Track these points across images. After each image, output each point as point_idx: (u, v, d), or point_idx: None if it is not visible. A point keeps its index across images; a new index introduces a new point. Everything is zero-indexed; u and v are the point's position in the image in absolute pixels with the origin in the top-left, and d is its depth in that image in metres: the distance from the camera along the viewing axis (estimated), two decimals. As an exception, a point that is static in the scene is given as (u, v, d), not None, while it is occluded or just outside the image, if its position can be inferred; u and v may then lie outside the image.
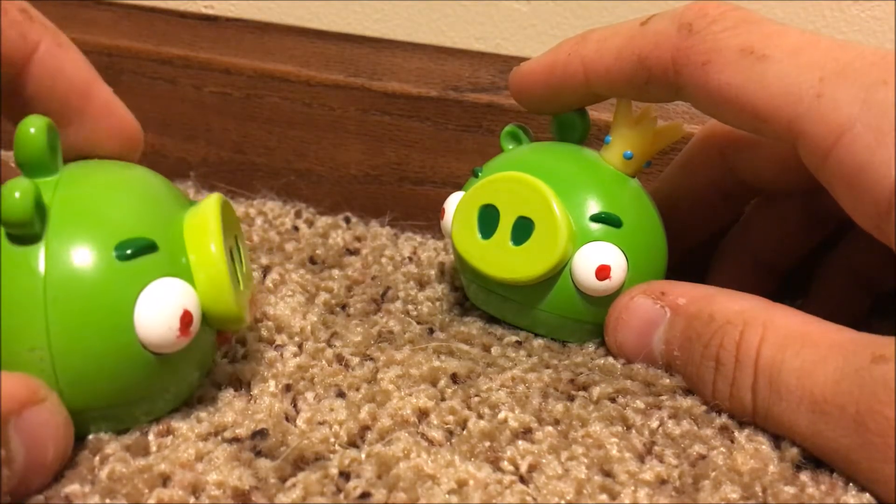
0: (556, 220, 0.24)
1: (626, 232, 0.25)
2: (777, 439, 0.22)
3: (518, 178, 0.25)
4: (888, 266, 0.28)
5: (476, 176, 0.28)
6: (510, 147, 0.29)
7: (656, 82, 0.24)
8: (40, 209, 0.19)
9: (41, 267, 0.19)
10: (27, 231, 0.19)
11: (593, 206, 0.25)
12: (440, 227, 0.28)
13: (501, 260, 0.25)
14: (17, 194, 0.19)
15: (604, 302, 0.25)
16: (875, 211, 0.20)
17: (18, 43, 0.22)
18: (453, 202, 0.27)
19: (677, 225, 0.28)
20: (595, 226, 0.25)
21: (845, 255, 0.29)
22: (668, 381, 0.24)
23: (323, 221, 0.36)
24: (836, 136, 0.20)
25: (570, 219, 0.25)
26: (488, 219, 0.26)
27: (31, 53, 0.22)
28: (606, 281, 0.25)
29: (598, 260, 0.25)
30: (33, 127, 0.20)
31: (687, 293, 0.24)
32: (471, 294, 0.28)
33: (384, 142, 0.36)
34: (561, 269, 0.25)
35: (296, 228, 0.35)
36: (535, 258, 0.25)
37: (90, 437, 0.21)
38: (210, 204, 0.22)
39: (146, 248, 0.20)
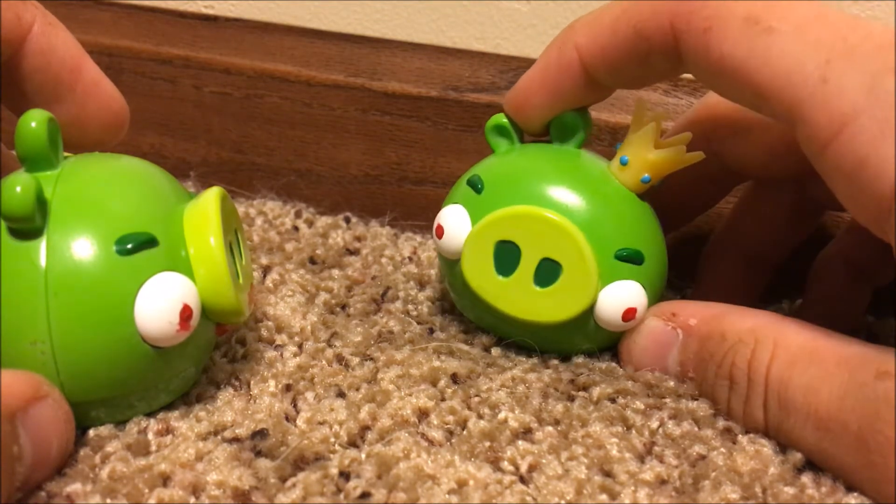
0: (587, 266, 0.23)
1: (647, 266, 0.24)
2: (783, 445, 0.22)
3: (543, 217, 0.24)
4: (887, 258, 0.27)
5: (477, 190, 0.25)
6: (503, 146, 0.27)
7: (657, 53, 0.22)
8: (41, 203, 0.19)
9: (42, 261, 0.19)
10: (28, 225, 0.19)
11: (617, 242, 0.24)
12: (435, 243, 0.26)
13: (524, 301, 0.24)
14: (18, 189, 0.19)
15: (619, 333, 0.25)
16: (875, 207, 0.19)
17: (15, 24, 0.23)
18: (454, 222, 0.25)
19: (662, 212, 0.28)
20: (620, 264, 0.24)
21: (842, 247, 0.29)
22: (672, 384, 0.24)
23: (323, 221, 0.36)
24: (839, 126, 0.19)
25: (596, 259, 0.24)
26: (507, 256, 0.24)
27: (27, 33, 0.23)
28: (631, 321, 0.24)
29: (626, 303, 0.24)
30: (34, 121, 0.20)
31: (697, 313, 0.24)
32: (475, 318, 0.27)
33: (384, 142, 0.36)
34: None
35: (296, 228, 0.35)
36: (563, 302, 0.24)
37: (91, 434, 0.21)
38: (210, 197, 0.22)
39: (146, 242, 0.20)
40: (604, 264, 0.24)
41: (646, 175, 0.24)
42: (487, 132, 0.27)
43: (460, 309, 0.28)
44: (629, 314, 0.24)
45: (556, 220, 0.24)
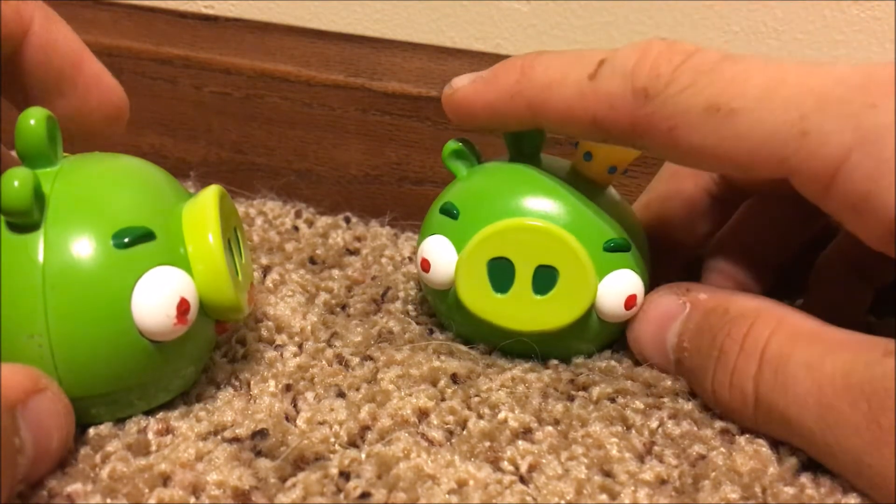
0: (583, 265, 0.24)
1: (634, 252, 0.25)
2: (776, 445, 0.22)
3: (530, 227, 0.24)
4: (887, 259, 0.27)
5: (453, 216, 0.25)
6: (463, 170, 0.26)
7: (616, 140, 0.23)
8: (39, 198, 0.20)
9: (40, 255, 0.19)
10: (26, 220, 0.19)
11: (603, 235, 0.24)
12: (420, 277, 0.26)
13: (524, 313, 0.24)
14: (16, 183, 0.19)
15: (622, 324, 0.25)
16: (886, 232, 0.20)
17: (16, 20, 0.23)
18: (438, 252, 0.25)
19: (673, 235, 0.28)
20: (610, 255, 0.24)
21: (843, 249, 0.29)
22: (669, 383, 0.24)
23: (323, 221, 0.36)
24: (833, 170, 0.20)
25: (588, 255, 0.24)
26: (500, 272, 0.24)
27: (27, 29, 0.23)
28: (633, 308, 0.25)
29: (625, 291, 0.24)
30: (33, 118, 0.20)
31: (709, 290, 0.24)
32: (478, 339, 0.27)
33: (384, 142, 0.36)
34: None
35: (296, 228, 0.35)
36: (565, 305, 0.24)
37: (91, 433, 0.21)
38: (208, 195, 0.22)
39: (143, 236, 0.20)
40: (596, 259, 0.24)
41: (612, 166, 0.25)
42: (446, 159, 0.27)
43: (459, 335, 0.27)
44: (630, 301, 0.24)
45: (543, 227, 0.24)
